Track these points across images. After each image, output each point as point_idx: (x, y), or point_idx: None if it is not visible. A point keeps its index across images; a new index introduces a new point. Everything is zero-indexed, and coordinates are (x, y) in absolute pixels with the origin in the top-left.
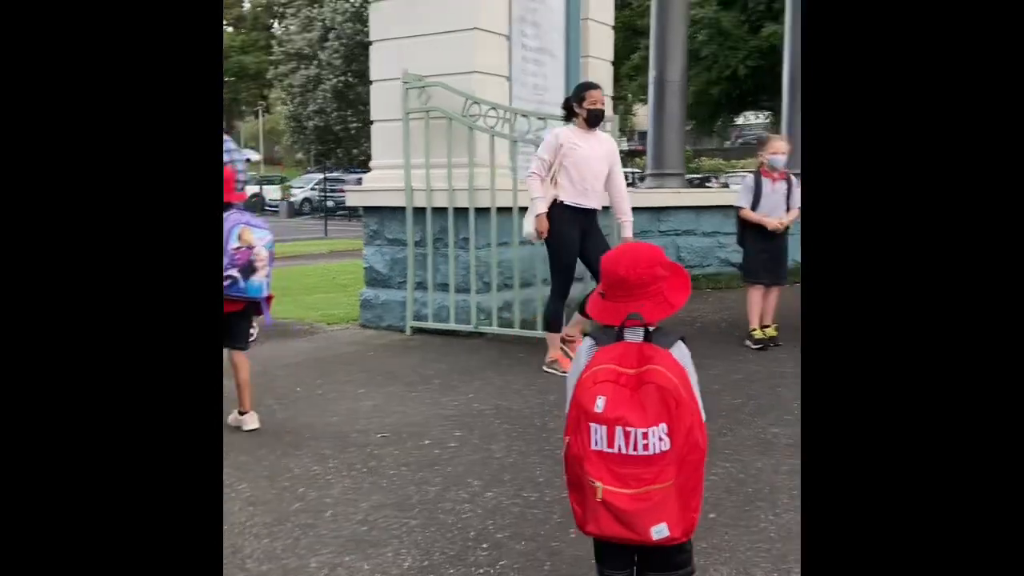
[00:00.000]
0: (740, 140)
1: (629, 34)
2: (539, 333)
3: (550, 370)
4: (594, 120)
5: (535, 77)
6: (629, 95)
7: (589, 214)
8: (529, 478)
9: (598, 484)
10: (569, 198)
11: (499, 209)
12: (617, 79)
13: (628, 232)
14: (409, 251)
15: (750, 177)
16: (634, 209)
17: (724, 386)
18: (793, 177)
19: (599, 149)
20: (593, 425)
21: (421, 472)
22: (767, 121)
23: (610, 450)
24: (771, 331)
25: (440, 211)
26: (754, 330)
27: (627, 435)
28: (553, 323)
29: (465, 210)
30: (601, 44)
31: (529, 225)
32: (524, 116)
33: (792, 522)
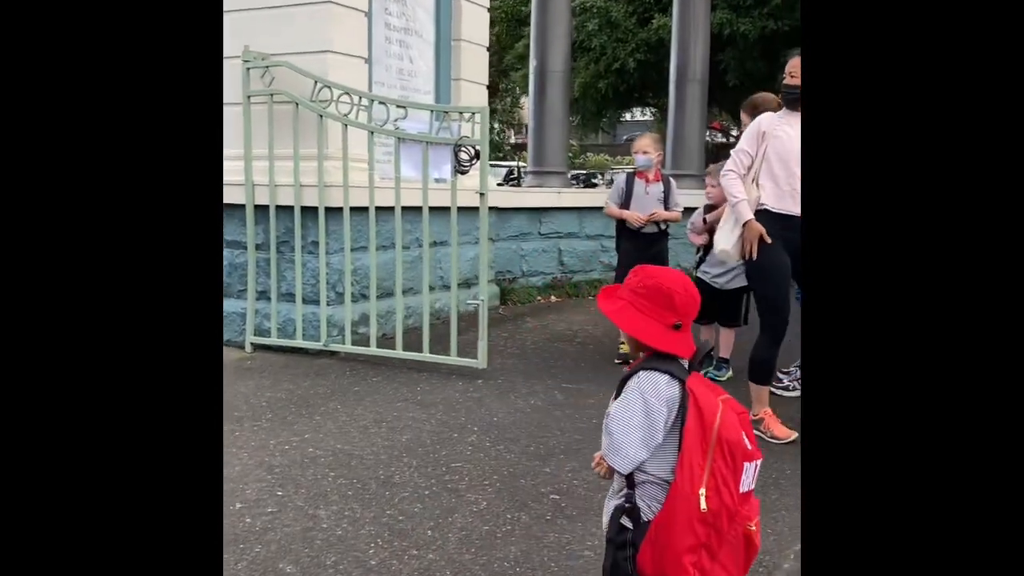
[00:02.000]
0: (627, 137)
1: (513, 24)
2: (399, 353)
3: (758, 432)
4: (786, 100)
5: (400, 60)
6: (517, 87)
7: (796, 224)
8: (359, 560)
9: (752, 526)
10: (773, 203)
11: (353, 209)
12: (504, 70)
13: None
14: (250, 255)
15: (622, 176)
16: (513, 210)
17: None
18: (672, 180)
19: None
20: (746, 464)
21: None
22: (653, 119)
23: (749, 488)
24: (625, 347)
25: (286, 210)
26: (622, 343)
27: (755, 469)
28: (762, 372)
29: (314, 209)
30: (475, 27)
31: (725, 241)
32: (382, 103)
33: None
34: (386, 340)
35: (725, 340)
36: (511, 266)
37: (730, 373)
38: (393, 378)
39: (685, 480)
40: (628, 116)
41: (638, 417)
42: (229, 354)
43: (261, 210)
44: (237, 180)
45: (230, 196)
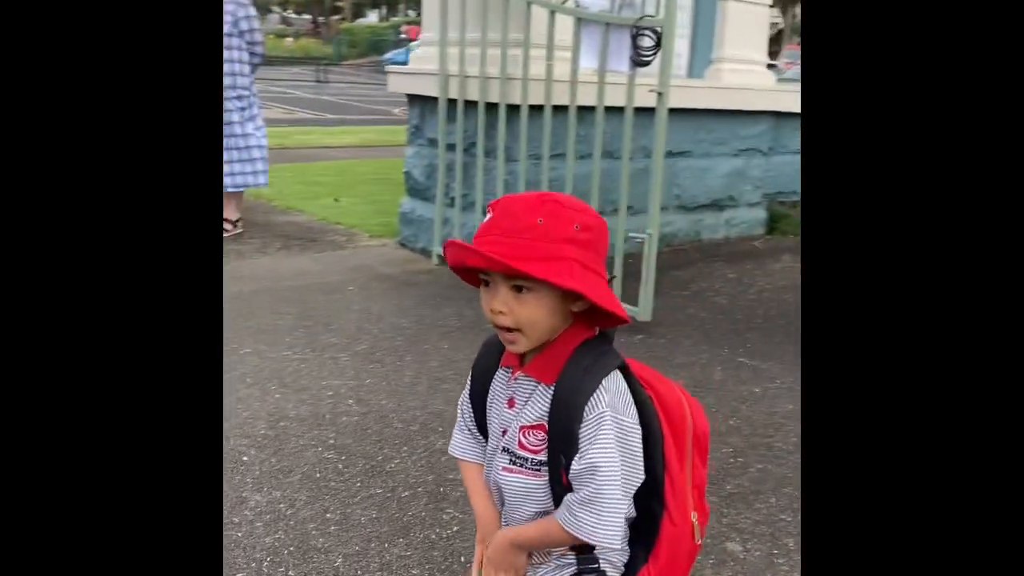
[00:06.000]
0: None
1: None
2: None
3: None
4: None
5: None
6: None
7: None
8: None
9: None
10: None
11: (536, 108)
12: None
13: None
14: (440, 155)
15: None
16: (796, 114)
17: None
18: None
19: None
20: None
21: None
22: None
23: None
24: None
25: (476, 106)
26: None
27: None
28: None
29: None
30: None
31: None
32: None
33: None
34: None
35: None
36: (794, 185)
37: None
38: None
39: (678, 509)
40: None
41: (615, 454)
42: (416, 264)
43: (468, 105)
44: (434, 68)
45: (429, 87)
